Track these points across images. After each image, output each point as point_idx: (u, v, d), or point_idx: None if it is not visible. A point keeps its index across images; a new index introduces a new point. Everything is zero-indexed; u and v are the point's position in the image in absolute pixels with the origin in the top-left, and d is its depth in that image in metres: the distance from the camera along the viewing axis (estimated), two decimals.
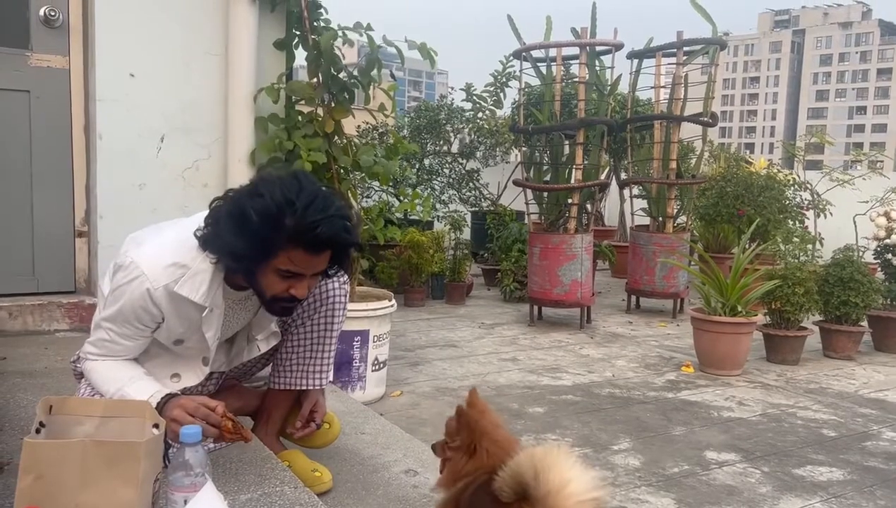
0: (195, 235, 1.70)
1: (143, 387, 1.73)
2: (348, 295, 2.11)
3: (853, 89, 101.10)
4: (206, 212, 1.73)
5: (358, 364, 3.35)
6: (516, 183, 5.78)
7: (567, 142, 5.71)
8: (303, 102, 3.33)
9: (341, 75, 3.25)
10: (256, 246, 1.61)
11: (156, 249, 1.72)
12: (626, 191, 7.85)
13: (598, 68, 5.88)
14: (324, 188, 1.71)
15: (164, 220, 1.91)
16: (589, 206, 5.75)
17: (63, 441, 1.37)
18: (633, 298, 6.20)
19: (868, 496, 2.60)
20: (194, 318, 1.75)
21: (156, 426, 1.43)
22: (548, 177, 5.78)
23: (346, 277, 2.11)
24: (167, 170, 3.22)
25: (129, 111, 3.12)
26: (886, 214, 5.14)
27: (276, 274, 1.66)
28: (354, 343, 3.31)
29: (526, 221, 6.06)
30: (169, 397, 1.70)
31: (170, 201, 3.18)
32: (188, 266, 1.69)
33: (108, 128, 3.10)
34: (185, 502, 1.34)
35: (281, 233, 1.59)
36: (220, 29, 3.23)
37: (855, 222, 5.93)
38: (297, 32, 3.37)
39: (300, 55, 3.44)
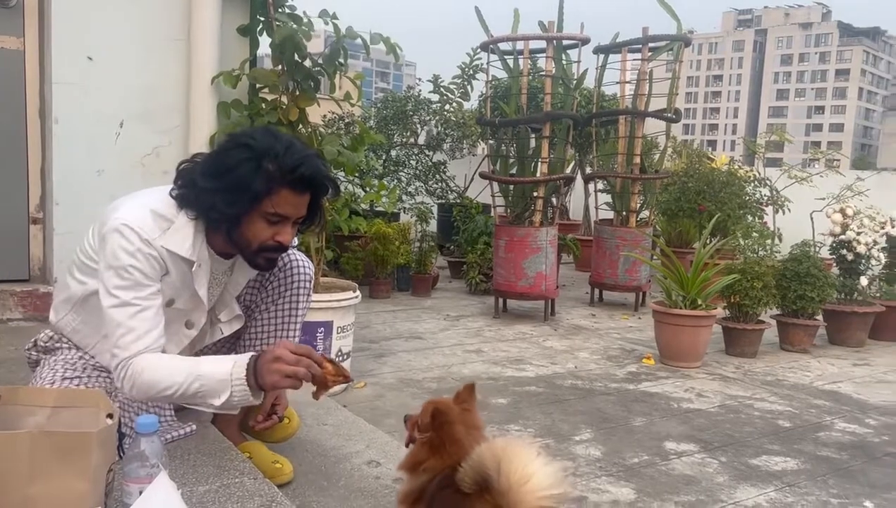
0: (171, 195, 1.72)
1: (216, 361, 1.71)
2: (312, 281, 2.10)
3: (812, 89, 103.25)
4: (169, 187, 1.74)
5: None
6: (483, 175, 5.79)
7: (533, 135, 5.73)
8: (267, 90, 3.28)
9: (306, 63, 3.21)
10: (243, 194, 1.66)
11: (138, 206, 1.71)
12: (591, 186, 7.91)
13: (564, 62, 5.90)
14: (293, 136, 1.80)
15: None
16: (554, 200, 5.79)
17: (10, 433, 1.33)
18: (597, 291, 6.26)
19: (821, 484, 2.67)
20: (186, 273, 1.75)
21: (110, 415, 1.39)
22: (514, 170, 5.80)
23: (309, 262, 2.10)
24: (126, 156, 3.15)
25: (86, 95, 3.05)
26: (842, 211, 5.26)
27: (263, 219, 1.70)
28: (318, 334, 3.28)
29: (492, 214, 6.07)
30: (255, 356, 1.67)
31: (129, 188, 3.03)
32: (172, 220, 1.71)
33: (65, 112, 3.02)
34: (140, 493, 1.31)
35: (266, 176, 1.65)
36: (182, 13, 3.16)
37: (812, 218, 6.07)
38: (262, 19, 3.32)
39: (266, 42, 3.39)
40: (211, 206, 1.68)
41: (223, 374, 1.64)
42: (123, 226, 1.65)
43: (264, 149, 1.67)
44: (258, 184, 1.65)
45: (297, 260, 2.07)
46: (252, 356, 1.68)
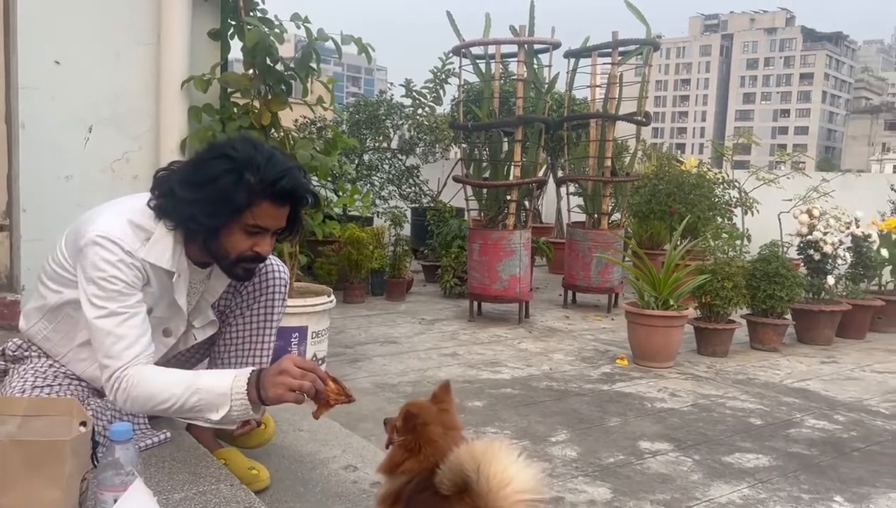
0: (148, 205, 1.70)
1: (216, 375, 1.69)
2: (287, 285, 2.09)
3: (778, 93, 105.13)
4: (147, 196, 1.72)
5: None
6: (456, 179, 5.80)
7: (506, 139, 5.76)
8: (238, 94, 3.26)
9: (278, 67, 3.19)
10: (223, 206, 1.64)
11: (116, 216, 1.69)
12: (563, 189, 7.97)
13: (535, 66, 5.95)
14: (274, 147, 1.78)
15: None
16: (527, 203, 5.82)
17: None
18: (570, 293, 6.30)
19: (792, 480, 2.71)
20: (166, 283, 1.74)
21: (83, 423, 1.37)
22: (487, 174, 5.82)
23: (284, 267, 2.09)
24: (95, 161, 3.10)
25: (54, 100, 2.99)
26: (809, 212, 5.36)
27: (242, 231, 1.70)
28: (293, 339, 3.27)
29: (466, 217, 6.09)
30: (258, 372, 1.64)
31: (98, 194, 3.02)
32: (151, 231, 1.69)
33: (32, 117, 2.96)
34: (115, 501, 1.29)
35: (247, 189, 1.64)
36: (151, 17, 3.12)
37: (780, 219, 6.18)
38: (233, 23, 3.30)
39: (237, 46, 3.37)
40: (190, 217, 1.66)
41: (223, 388, 1.62)
42: (103, 238, 1.63)
43: (245, 161, 1.65)
44: (239, 197, 1.64)
45: (272, 264, 2.06)
46: (254, 370, 1.66)
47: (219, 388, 1.62)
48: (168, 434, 1.93)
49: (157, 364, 1.95)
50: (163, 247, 1.70)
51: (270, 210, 1.69)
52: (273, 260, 2.08)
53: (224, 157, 1.67)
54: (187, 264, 1.79)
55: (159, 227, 1.70)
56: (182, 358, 2.05)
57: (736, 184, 7.33)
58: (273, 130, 3.23)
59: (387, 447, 1.58)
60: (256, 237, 1.72)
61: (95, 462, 1.48)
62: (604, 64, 6.04)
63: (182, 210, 1.66)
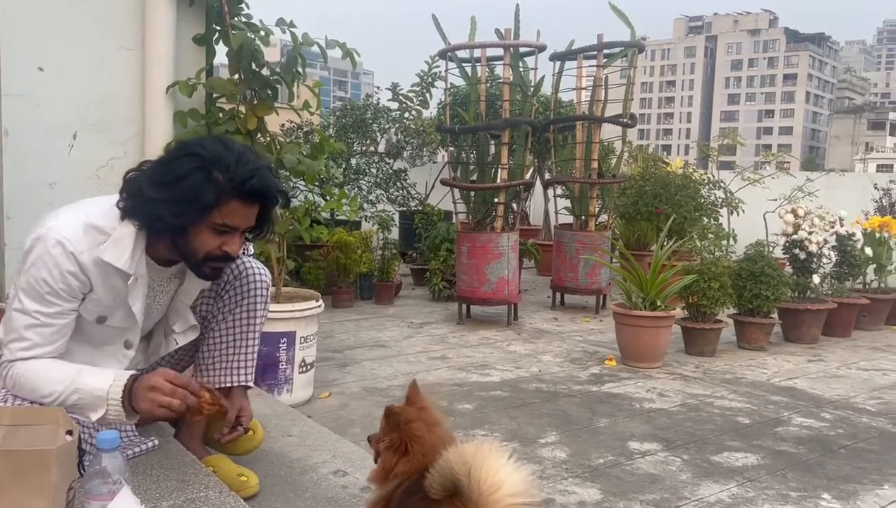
0: (117, 206, 1.67)
1: (99, 374, 1.66)
2: (269, 288, 2.08)
3: (762, 93, 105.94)
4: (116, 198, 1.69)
5: (284, 366, 3.29)
6: (443, 182, 5.80)
7: (493, 141, 5.78)
8: (224, 99, 3.25)
9: (264, 71, 3.19)
10: (191, 205, 1.61)
11: (73, 216, 1.67)
12: (550, 191, 7.99)
13: (521, 69, 5.96)
14: (244, 146, 1.76)
15: None
16: (515, 205, 5.83)
17: None
18: (558, 295, 6.32)
19: (780, 479, 2.73)
20: (120, 288, 1.70)
21: (69, 432, 1.36)
22: (474, 177, 5.83)
23: (265, 269, 2.08)
24: (80, 168, 3.07)
25: (38, 106, 2.97)
26: (794, 211, 5.40)
27: (210, 230, 1.67)
28: (281, 344, 3.25)
29: (454, 221, 6.10)
30: (135, 377, 1.63)
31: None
32: (109, 232, 1.66)
33: (15, 124, 2.94)
34: None
35: (216, 187, 1.62)
36: (136, 23, 3.11)
37: (765, 219, 6.22)
38: (218, 28, 3.29)
39: (223, 52, 3.36)
40: (157, 216, 1.63)
41: (100, 391, 1.62)
42: (49, 235, 1.61)
43: (214, 159, 1.62)
44: (207, 196, 1.61)
45: (252, 268, 2.04)
46: (131, 376, 1.64)
47: (96, 391, 1.62)
48: (156, 442, 1.92)
49: (142, 367, 1.95)
50: (122, 248, 1.66)
51: (239, 209, 1.67)
52: (253, 264, 2.06)
53: (192, 156, 1.64)
54: (149, 267, 1.75)
55: (121, 228, 1.66)
56: (166, 363, 2.03)
57: (721, 184, 7.38)
58: (259, 135, 3.22)
59: (375, 461, 1.57)
60: (225, 236, 1.69)
61: (82, 471, 1.47)
62: (589, 66, 6.07)
63: (149, 209, 1.63)
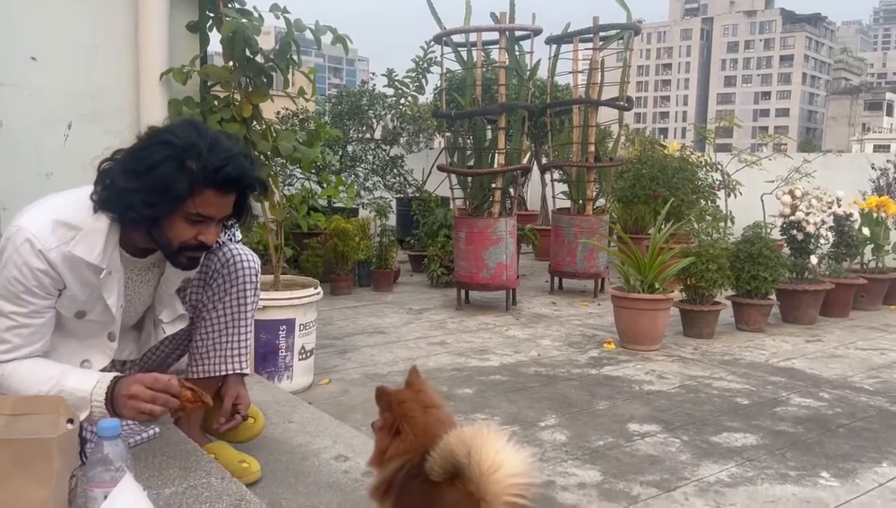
0: (91, 198, 1.64)
1: (83, 376, 1.65)
2: (259, 274, 2.06)
3: (758, 75, 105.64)
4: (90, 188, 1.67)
5: (284, 353, 3.29)
6: (440, 168, 5.79)
7: (489, 126, 5.76)
8: (219, 87, 3.23)
9: (258, 58, 3.17)
10: (163, 195, 1.57)
11: (42, 213, 1.63)
12: (547, 176, 7.98)
13: (517, 53, 5.93)
14: (219, 131, 1.71)
15: None
16: (512, 191, 5.82)
17: None
18: (556, 279, 6.32)
19: (779, 458, 2.75)
20: (93, 283, 1.67)
21: (70, 420, 1.36)
22: (471, 162, 5.81)
23: (254, 255, 2.06)
24: (76, 158, 3.02)
25: (31, 96, 2.95)
26: (791, 193, 5.41)
27: (185, 220, 1.63)
28: (280, 332, 3.26)
29: (451, 206, 6.09)
30: (118, 379, 1.63)
31: None
32: (79, 227, 1.62)
33: (9, 114, 2.92)
34: (105, 497, 1.29)
35: (188, 176, 1.57)
36: (129, 11, 3.08)
37: (762, 200, 6.22)
38: (212, 15, 3.26)
39: (217, 39, 3.33)
40: (129, 207, 1.58)
41: (84, 393, 1.62)
42: (18, 234, 1.59)
43: (186, 147, 1.57)
44: (180, 185, 1.56)
45: (240, 254, 2.01)
46: (113, 378, 1.63)
47: (80, 392, 1.62)
48: (157, 430, 1.93)
49: (135, 358, 1.95)
50: (93, 242, 1.63)
51: (214, 198, 1.62)
52: (241, 250, 2.02)
53: (164, 144, 1.59)
54: (123, 259, 1.72)
55: (92, 221, 1.63)
56: (159, 353, 2.03)
57: (719, 166, 7.37)
58: (255, 122, 3.20)
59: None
60: (200, 226, 1.65)
61: (84, 459, 1.47)
62: (585, 49, 6.04)
63: (121, 199, 1.59)
